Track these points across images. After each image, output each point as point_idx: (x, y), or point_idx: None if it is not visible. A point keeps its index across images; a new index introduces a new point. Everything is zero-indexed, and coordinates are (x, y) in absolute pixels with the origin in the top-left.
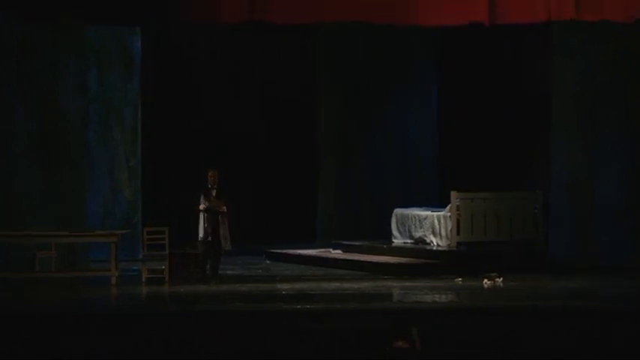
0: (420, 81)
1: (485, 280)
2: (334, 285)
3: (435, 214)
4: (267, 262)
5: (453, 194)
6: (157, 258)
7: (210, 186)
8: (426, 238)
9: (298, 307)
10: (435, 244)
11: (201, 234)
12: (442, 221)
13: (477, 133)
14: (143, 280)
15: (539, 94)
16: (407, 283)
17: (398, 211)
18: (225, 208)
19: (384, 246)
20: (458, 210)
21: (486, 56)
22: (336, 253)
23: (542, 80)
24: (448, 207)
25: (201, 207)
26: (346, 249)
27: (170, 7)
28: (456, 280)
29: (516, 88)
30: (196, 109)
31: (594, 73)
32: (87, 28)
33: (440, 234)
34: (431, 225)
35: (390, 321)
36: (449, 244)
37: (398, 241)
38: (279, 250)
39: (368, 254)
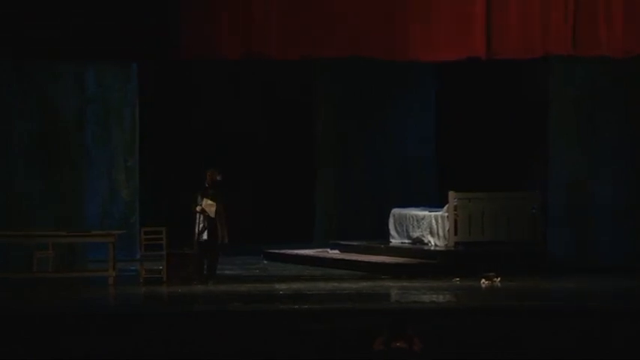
0: (420, 85)
1: (483, 280)
2: (332, 285)
3: (433, 214)
4: (265, 262)
5: (451, 194)
6: (155, 258)
7: (207, 185)
8: (423, 238)
9: (296, 307)
10: (433, 244)
11: (196, 235)
12: (440, 221)
13: (476, 134)
14: (141, 280)
15: (539, 98)
16: (404, 283)
17: (396, 211)
18: (213, 209)
19: (382, 246)
20: (455, 210)
21: (486, 60)
22: (334, 253)
23: (541, 84)
24: (446, 207)
25: (198, 208)
26: (344, 249)
27: (168, 44)
28: (453, 280)
29: (516, 93)
30: (196, 109)
31: (594, 78)
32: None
33: (438, 234)
34: (429, 225)
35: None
36: (446, 245)
37: (396, 241)
38: (277, 250)
39: (366, 254)
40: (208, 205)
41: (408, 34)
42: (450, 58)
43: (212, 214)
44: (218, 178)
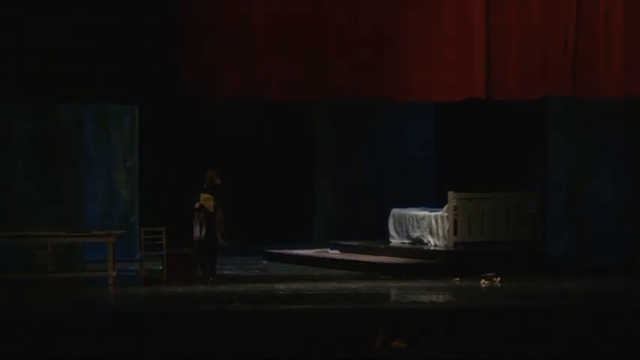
0: None
1: (483, 281)
2: (332, 285)
3: (433, 214)
4: (265, 262)
5: (451, 194)
6: (155, 258)
7: (205, 187)
8: (423, 239)
9: (296, 307)
10: (433, 244)
11: (196, 234)
12: (439, 221)
13: (475, 134)
14: (141, 280)
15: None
16: (404, 284)
17: (395, 211)
18: (211, 203)
19: (382, 246)
20: (455, 210)
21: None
22: (334, 254)
23: None
24: (445, 207)
25: (197, 205)
26: (344, 249)
27: (166, 86)
28: (453, 280)
29: None
30: (196, 109)
31: None
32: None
33: (437, 234)
34: (428, 225)
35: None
36: (446, 245)
37: (395, 241)
38: (276, 250)
39: (365, 254)
40: (206, 199)
41: (407, 78)
42: (450, 99)
43: (211, 209)
44: (217, 181)
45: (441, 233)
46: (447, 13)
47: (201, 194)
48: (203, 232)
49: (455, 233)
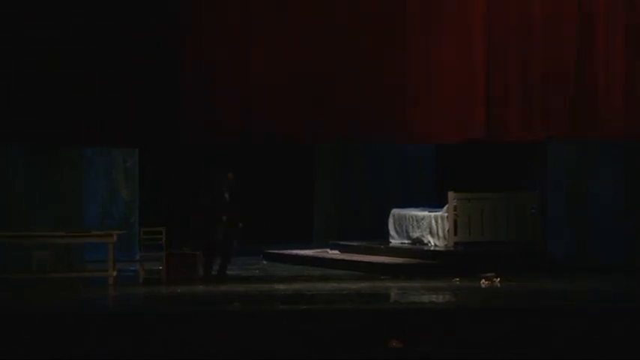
0: None
1: (483, 281)
2: (331, 285)
3: (433, 214)
4: (265, 262)
5: (451, 194)
6: (155, 258)
7: (223, 189)
8: (423, 239)
9: (296, 307)
10: (433, 244)
11: (210, 234)
12: (439, 221)
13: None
14: (141, 280)
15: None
16: (404, 284)
17: (395, 211)
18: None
19: (382, 246)
20: (455, 210)
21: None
22: (334, 254)
23: None
24: (445, 207)
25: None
26: (343, 249)
27: (167, 131)
28: (453, 280)
29: None
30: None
31: None
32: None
33: (437, 234)
34: (428, 225)
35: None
36: (446, 245)
37: (395, 241)
38: (276, 251)
39: (365, 254)
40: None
41: (407, 121)
42: (450, 141)
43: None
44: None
45: (441, 233)
46: (447, 49)
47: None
48: (220, 234)
49: (455, 233)
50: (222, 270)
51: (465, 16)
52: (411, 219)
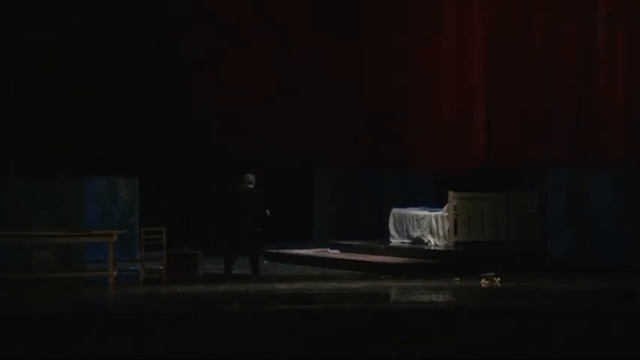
0: None
1: (483, 280)
2: (332, 285)
3: (433, 214)
4: (265, 262)
5: (451, 194)
6: (155, 258)
7: (242, 189)
8: (423, 238)
9: (296, 307)
10: (433, 244)
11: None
12: (440, 221)
13: None
14: (141, 280)
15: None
16: (404, 283)
17: (395, 210)
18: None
19: (382, 246)
20: (455, 210)
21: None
22: (334, 253)
23: None
24: (446, 207)
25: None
26: (344, 249)
27: (167, 160)
28: (453, 280)
29: None
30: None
31: None
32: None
33: (437, 234)
34: (428, 225)
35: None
36: (446, 244)
37: (395, 240)
38: (276, 250)
39: (365, 254)
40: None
41: (409, 149)
42: (451, 168)
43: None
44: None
45: (441, 233)
46: (447, 75)
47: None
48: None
49: (455, 233)
50: (255, 267)
51: (465, 45)
52: (411, 218)
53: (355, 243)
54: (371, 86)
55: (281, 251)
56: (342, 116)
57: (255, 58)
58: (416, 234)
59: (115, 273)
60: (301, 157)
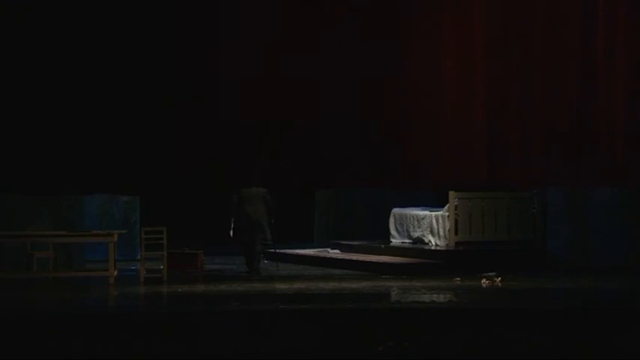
0: None
1: (484, 280)
2: (332, 285)
3: (434, 213)
4: (266, 261)
5: (451, 194)
6: (155, 258)
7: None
8: (424, 238)
9: (296, 307)
10: (434, 243)
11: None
12: (440, 221)
13: None
14: (141, 280)
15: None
16: (405, 283)
17: (396, 210)
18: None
19: (382, 246)
20: (456, 210)
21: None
22: (334, 253)
23: None
24: (446, 207)
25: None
26: (344, 249)
27: (168, 179)
28: (454, 280)
29: None
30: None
31: None
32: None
33: (438, 234)
34: (429, 225)
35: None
36: (447, 244)
37: (396, 240)
38: (274, 251)
39: (366, 254)
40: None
41: (411, 169)
42: (451, 188)
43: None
44: None
45: (441, 233)
46: (449, 96)
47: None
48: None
49: (455, 233)
50: (257, 268)
51: (467, 63)
52: (411, 218)
53: (356, 243)
54: (370, 110)
55: (282, 251)
56: (345, 136)
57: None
58: (416, 234)
59: (116, 273)
60: (306, 178)
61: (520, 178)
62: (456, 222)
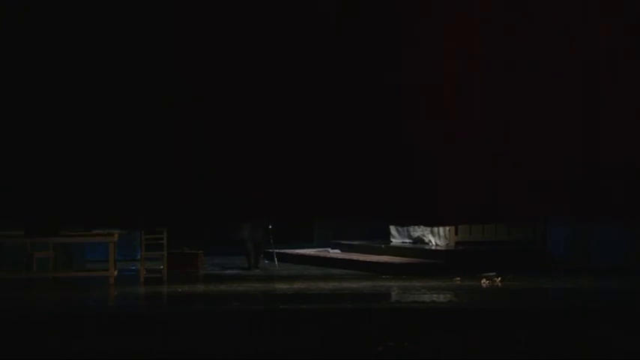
0: None
1: (484, 280)
2: (332, 285)
3: None
4: (266, 261)
5: None
6: (155, 258)
7: None
8: (424, 238)
9: (296, 307)
10: (434, 243)
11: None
12: None
13: None
14: (141, 280)
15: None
16: (405, 283)
17: None
18: None
19: (383, 246)
20: None
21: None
22: (335, 253)
23: None
24: None
25: None
26: (344, 249)
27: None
28: (454, 279)
29: None
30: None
31: None
32: None
33: (438, 233)
34: None
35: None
36: (447, 244)
37: (396, 240)
38: (277, 250)
39: (366, 254)
40: None
41: (413, 204)
42: (453, 225)
43: None
44: None
45: (442, 233)
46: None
47: None
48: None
49: (456, 233)
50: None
51: (465, 92)
52: None
53: (356, 243)
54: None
55: (282, 251)
56: (342, 170)
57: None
58: (417, 234)
59: (116, 273)
60: (314, 209)
61: (519, 213)
62: None
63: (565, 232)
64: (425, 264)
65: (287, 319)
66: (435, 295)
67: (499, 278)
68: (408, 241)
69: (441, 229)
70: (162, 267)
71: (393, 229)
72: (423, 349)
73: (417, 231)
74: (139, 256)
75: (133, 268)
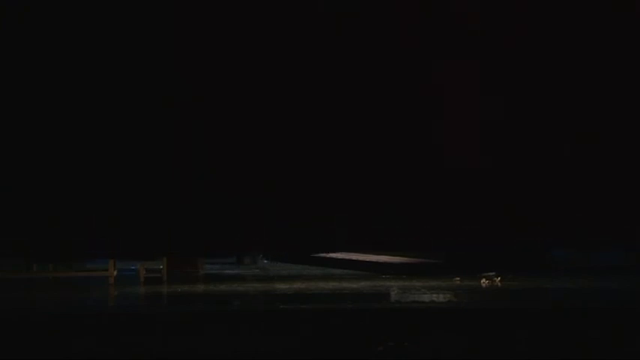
0: None
1: (484, 280)
2: (331, 285)
3: None
4: (265, 261)
5: None
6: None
7: None
8: None
9: (296, 306)
10: None
11: None
12: None
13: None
14: (141, 280)
15: None
16: (405, 283)
17: None
18: None
19: None
20: None
21: None
22: (334, 253)
23: None
24: None
25: None
26: None
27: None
28: (454, 279)
29: None
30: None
31: None
32: None
33: None
34: None
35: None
36: None
37: None
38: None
39: (366, 254)
40: None
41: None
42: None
43: None
44: None
45: None
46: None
47: None
48: None
49: None
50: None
51: (464, 116)
52: None
53: None
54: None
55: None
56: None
57: None
58: None
59: (115, 273)
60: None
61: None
62: None
63: None
64: (425, 264)
65: (287, 319)
66: (434, 295)
67: (499, 278)
68: None
69: None
70: (162, 267)
71: None
72: (423, 349)
73: None
74: None
75: (133, 268)
